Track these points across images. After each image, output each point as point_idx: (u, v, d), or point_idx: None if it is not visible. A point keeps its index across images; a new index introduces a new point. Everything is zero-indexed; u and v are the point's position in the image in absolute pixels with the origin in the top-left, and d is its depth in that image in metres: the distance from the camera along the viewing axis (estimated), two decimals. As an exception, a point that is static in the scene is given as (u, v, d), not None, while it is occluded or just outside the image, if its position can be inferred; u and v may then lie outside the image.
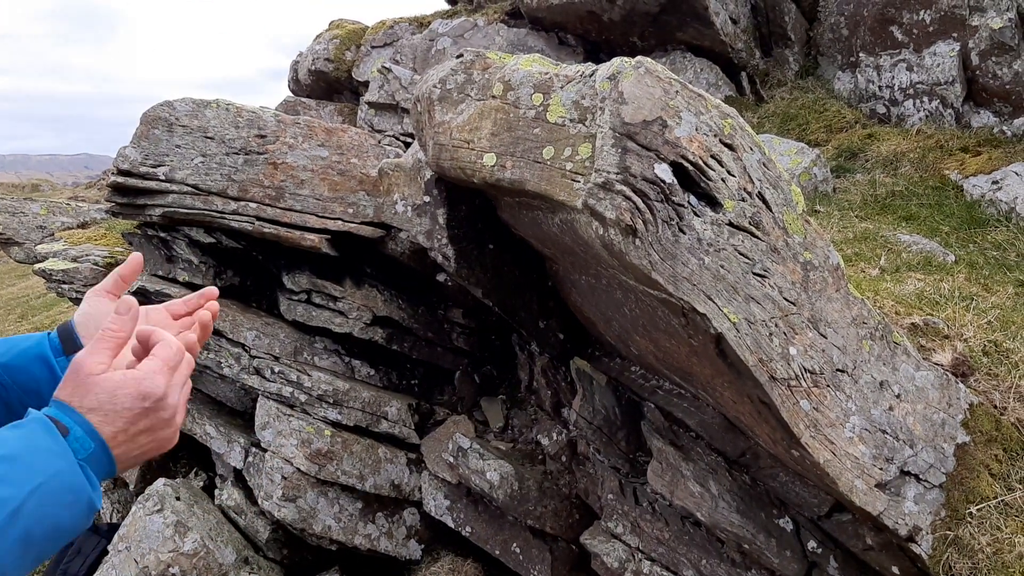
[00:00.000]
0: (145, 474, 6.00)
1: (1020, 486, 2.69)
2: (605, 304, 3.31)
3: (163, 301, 5.06)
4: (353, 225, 4.70)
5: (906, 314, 3.45)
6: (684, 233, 2.30)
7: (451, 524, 4.56)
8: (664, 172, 2.26)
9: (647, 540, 3.75)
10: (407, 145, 5.47)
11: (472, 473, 4.29)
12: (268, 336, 4.94)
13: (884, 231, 4.99)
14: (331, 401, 4.73)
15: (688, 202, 2.32)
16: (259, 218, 4.77)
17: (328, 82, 11.15)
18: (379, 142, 5.15)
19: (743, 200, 2.39)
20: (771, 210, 2.45)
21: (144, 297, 5.15)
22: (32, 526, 0.84)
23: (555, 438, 4.52)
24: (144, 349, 1.05)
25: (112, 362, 0.99)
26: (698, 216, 2.32)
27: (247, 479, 4.96)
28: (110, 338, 1.01)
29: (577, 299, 3.79)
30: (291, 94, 12.00)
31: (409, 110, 3.98)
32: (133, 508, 4.86)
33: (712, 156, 2.34)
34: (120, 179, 4.91)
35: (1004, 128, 6.41)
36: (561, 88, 2.60)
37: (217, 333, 5.00)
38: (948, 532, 2.59)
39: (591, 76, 2.50)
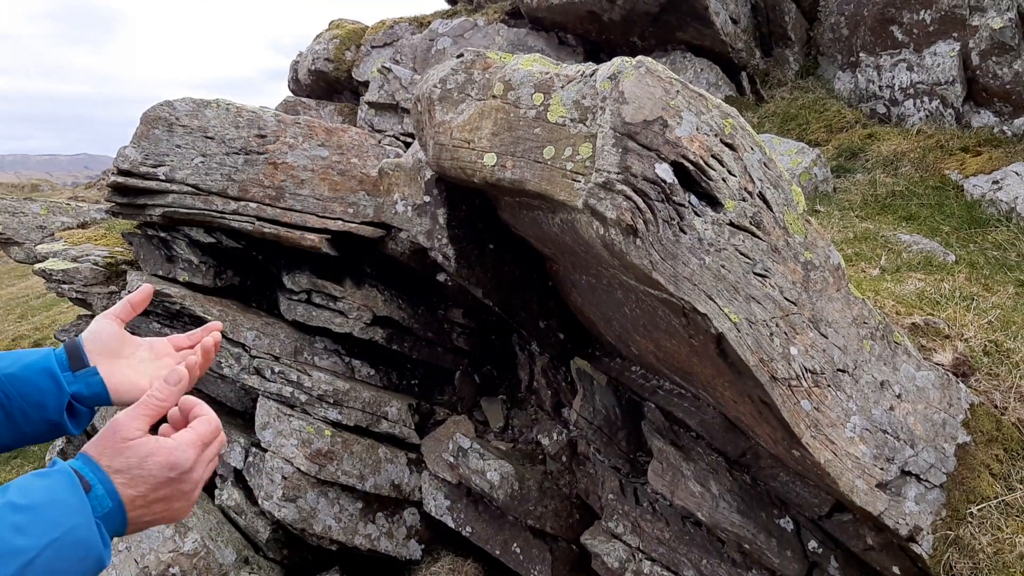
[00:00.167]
0: (145, 474, 5.99)
1: (1021, 486, 2.69)
2: (605, 304, 3.31)
3: (163, 301, 5.04)
4: (353, 225, 4.70)
5: (907, 314, 3.45)
6: (685, 233, 2.30)
7: (451, 524, 4.55)
8: (665, 172, 2.26)
9: (647, 540, 3.74)
10: (407, 145, 5.46)
11: (472, 473, 4.29)
12: (268, 336, 4.93)
13: (884, 231, 4.99)
14: (331, 401, 4.73)
15: (689, 202, 2.31)
16: (259, 218, 4.77)
17: (328, 82, 11.15)
18: (379, 142, 5.15)
19: (744, 200, 2.39)
20: (772, 210, 2.45)
21: (144, 297, 5.14)
22: None
23: (555, 438, 4.52)
24: (184, 419, 1.08)
25: (148, 428, 1.03)
26: (699, 216, 2.32)
27: (247, 479, 4.96)
28: (154, 406, 1.04)
29: (577, 299, 3.78)
30: (291, 94, 12.00)
31: (409, 110, 3.97)
32: (133, 508, 4.86)
33: (713, 156, 2.33)
34: (120, 179, 4.91)
35: (1004, 128, 6.40)
36: (562, 88, 2.60)
37: (217, 333, 4.99)
38: (949, 532, 2.59)
39: (592, 76, 2.50)
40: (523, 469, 4.29)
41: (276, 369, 4.83)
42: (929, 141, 6.45)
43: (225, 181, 4.82)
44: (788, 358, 2.42)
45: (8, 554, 0.83)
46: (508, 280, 4.01)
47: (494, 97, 2.85)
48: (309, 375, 4.78)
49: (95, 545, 0.91)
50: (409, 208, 4.05)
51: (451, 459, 4.42)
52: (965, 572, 2.52)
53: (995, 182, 5.46)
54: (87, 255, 6.27)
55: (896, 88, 7.17)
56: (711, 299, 2.33)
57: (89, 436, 4.85)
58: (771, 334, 2.40)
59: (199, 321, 5.01)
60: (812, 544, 3.05)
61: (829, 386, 2.50)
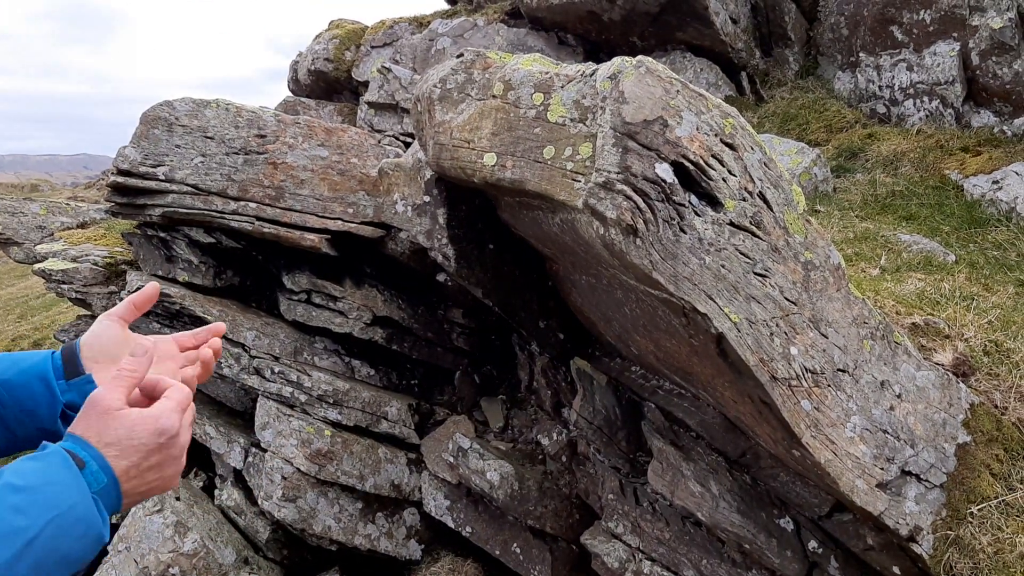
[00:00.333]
0: (145, 474, 5.98)
1: (1021, 486, 2.69)
2: (605, 304, 3.31)
3: (163, 301, 5.02)
4: (353, 225, 4.70)
5: (907, 314, 3.45)
6: (685, 233, 2.30)
7: (451, 524, 4.55)
8: (665, 172, 2.26)
9: (647, 540, 3.74)
10: (407, 145, 5.46)
11: (472, 473, 4.29)
12: (268, 336, 4.93)
13: (884, 231, 4.99)
14: (331, 401, 4.73)
15: (689, 202, 2.31)
16: (259, 218, 4.77)
17: (328, 82, 11.15)
18: (379, 142, 5.14)
19: (744, 200, 2.39)
20: (772, 210, 2.45)
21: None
22: (44, 557, 0.86)
23: (555, 438, 4.52)
24: (146, 399, 1.09)
25: (127, 400, 1.03)
26: (699, 216, 2.32)
27: (247, 479, 4.95)
28: (126, 377, 1.04)
29: (577, 299, 3.78)
30: (291, 94, 12.00)
31: (409, 110, 3.97)
32: (133, 508, 4.86)
33: (713, 156, 2.33)
34: (120, 179, 4.91)
35: (1004, 128, 6.41)
36: (562, 88, 2.60)
37: (217, 333, 4.99)
38: (949, 532, 2.59)
39: (592, 76, 2.50)
40: (523, 469, 4.29)
41: (276, 369, 4.83)
42: (929, 141, 6.45)
43: (225, 181, 4.82)
44: (788, 358, 2.42)
45: (9, 534, 0.83)
46: (508, 280, 4.01)
47: (494, 97, 2.85)
48: (309, 375, 4.77)
49: (94, 522, 0.92)
50: (409, 208, 4.05)
51: (451, 459, 4.42)
52: (965, 572, 2.51)
53: (995, 182, 5.46)
54: (87, 255, 6.26)
55: (896, 88, 7.17)
56: (711, 299, 2.32)
57: None
58: (771, 334, 2.39)
59: (199, 321, 5.01)
60: (812, 544, 3.05)
61: (829, 386, 2.50)
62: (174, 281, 5.22)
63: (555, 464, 4.43)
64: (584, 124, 2.45)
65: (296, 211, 4.74)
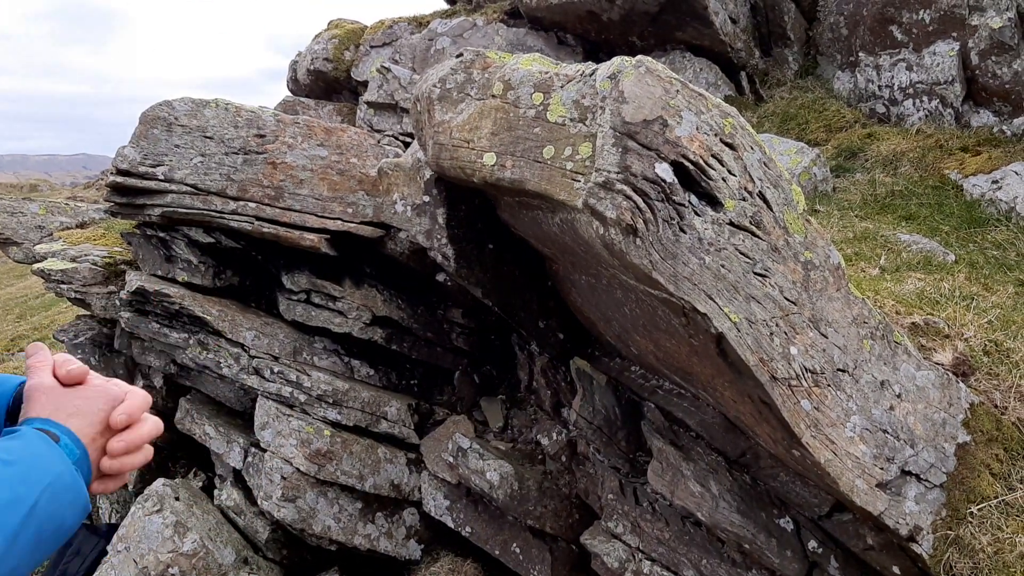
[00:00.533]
0: (144, 474, 5.98)
1: (1021, 486, 2.69)
2: (605, 304, 3.31)
3: (162, 301, 5.01)
4: (352, 225, 4.69)
5: (906, 313, 3.45)
6: (685, 232, 2.30)
7: (451, 524, 4.55)
8: (665, 171, 2.26)
9: (647, 540, 3.74)
10: (406, 145, 5.46)
11: (472, 473, 4.29)
12: (267, 336, 4.93)
13: (884, 231, 4.99)
14: (331, 401, 4.73)
15: (689, 201, 2.31)
16: (258, 218, 4.76)
17: (327, 82, 11.14)
18: (378, 142, 5.14)
19: (744, 199, 2.38)
20: (772, 209, 2.45)
21: (143, 297, 5.14)
22: (43, 524, 0.90)
23: (555, 438, 4.52)
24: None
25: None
26: (699, 215, 2.32)
27: (246, 479, 4.95)
28: (39, 367, 1.09)
29: (577, 299, 3.78)
30: (290, 94, 11.99)
31: (408, 110, 3.97)
32: (132, 508, 4.85)
33: (713, 155, 2.33)
34: (119, 179, 4.90)
35: (1004, 127, 6.41)
36: (561, 87, 2.59)
37: (216, 333, 5.00)
38: (949, 532, 2.59)
39: (591, 75, 2.50)
40: (523, 469, 4.29)
41: (275, 369, 4.82)
42: (928, 141, 6.45)
43: (224, 181, 4.82)
44: (788, 358, 2.41)
45: (13, 502, 0.87)
46: (508, 280, 4.00)
47: (493, 97, 2.85)
48: (308, 375, 4.77)
49: (81, 489, 0.97)
50: (408, 208, 4.04)
51: (451, 459, 4.42)
52: (965, 572, 2.51)
53: (995, 182, 5.46)
54: (86, 255, 6.26)
55: (895, 88, 7.17)
56: (711, 299, 2.32)
57: None
58: (771, 334, 2.39)
59: (198, 321, 5.01)
60: (812, 544, 3.05)
61: (829, 386, 2.50)
62: (173, 281, 5.22)
63: (555, 464, 4.43)
64: (584, 124, 2.45)
65: (295, 211, 4.74)
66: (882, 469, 2.54)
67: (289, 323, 5.05)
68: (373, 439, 4.80)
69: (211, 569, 4.61)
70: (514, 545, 4.32)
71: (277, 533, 4.86)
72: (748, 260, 2.38)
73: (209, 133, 4.95)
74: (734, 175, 2.37)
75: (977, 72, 6.50)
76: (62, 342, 6.29)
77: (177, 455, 6.01)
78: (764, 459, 3.17)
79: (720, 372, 2.60)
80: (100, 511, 6.53)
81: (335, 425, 4.74)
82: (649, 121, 2.25)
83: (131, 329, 5.37)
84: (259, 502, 4.71)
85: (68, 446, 0.99)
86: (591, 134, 2.40)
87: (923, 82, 6.88)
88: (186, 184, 4.84)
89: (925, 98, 6.88)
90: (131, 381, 6.12)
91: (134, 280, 5.19)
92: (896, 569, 2.74)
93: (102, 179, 25.89)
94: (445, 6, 10.75)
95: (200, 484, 5.50)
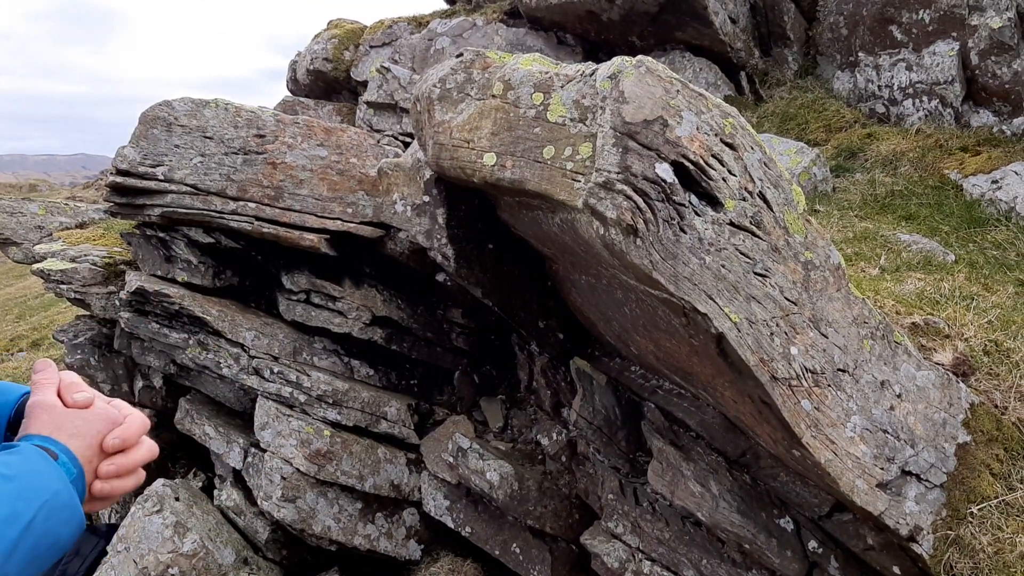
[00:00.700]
0: (144, 474, 5.97)
1: (1021, 486, 2.69)
2: (605, 304, 3.30)
3: (162, 301, 5.00)
4: (352, 225, 4.69)
5: (907, 313, 3.45)
6: (685, 233, 2.30)
7: (451, 524, 4.55)
8: (665, 171, 2.26)
9: (647, 540, 3.74)
10: (406, 145, 5.46)
11: (472, 473, 4.28)
12: (267, 336, 4.93)
13: (884, 231, 4.99)
14: (330, 401, 4.72)
15: (689, 201, 2.31)
16: (258, 218, 4.76)
17: (327, 82, 11.14)
18: (378, 142, 5.14)
19: (744, 200, 2.38)
20: (772, 209, 2.45)
21: (142, 297, 5.14)
22: (39, 539, 0.91)
23: (555, 438, 4.52)
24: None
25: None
26: (699, 216, 2.32)
27: (246, 479, 4.95)
28: (45, 384, 1.11)
29: (577, 299, 3.78)
30: (289, 94, 11.98)
31: (408, 110, 3.97)
32: (132, 509, 4.85)
33: (713, 155, 2.33)
34: (119, 179, 4.90)
35: (1004, 127, 6.41)
36: (561, 87, 2.59)
37: (216, 333, 4.99)
38: (949, 532, 2.59)
39: (592, 75, 2.50)
40: (522, 469, 4.29)
41: (275, 369, 4.82)
42: (928, 141, 6.45)
43: (224, 181, 4.81)
44: (788, 358, 2.41)
45: (11, 517, 0.88)
46: (507, 280, 4.00)
47: (493, 97, 2.84)
48: (308, 375, 4.77)
49: (76, 507, 0.98)
50: (408, 208, 4.04)
51: (450, 459, 4.42)
52: (965, 572, 2.51)
53: (994, 182, 5.46)
54: (85, 255, 6.25)
55: (895, 88, 7.17)
56: (711, 299, 2.32)
57: None
58: (771, 334, 2.39)
59: (198, 321, 5.01)
60: (812, 544, 3.05)
61: (829, 386, 2.50)
62: (173, 281, 5.22)
63: (555, 464, 4.43)
64: (584, 124, 2.44)
65: (295, 211, 4.74)
66: (882, 469, 2.54)
67: (289, 323, 5.05)
68: (373, 439, 4.80)
69: (211, 569, 4.61)
70: (514, 545, 4.32)
71: (277, 533, 4.85)
72: (748, 260, 2.38)
73: (209, 133, 4.95)
74: (734, 175, 2.37)
75: (977, 72, 6.51)
76: (61, 342, 6.29)
77: (177, 455, 6.01)
78: (764, 459, 3.17)
79: (720, 372, 2.60)
80: (100, 511, 6.53)
81: (335, 425, 4.74)
82: (649, 121, 2.25)
83: (131, 329, 5.37)
84: (259, 502, 4.71)
85: (66, 464, 1.00)
86: (591, 134, 2.40)
87: (923, 82, 6.88)
88: (186, 184, 4.83)
89: (925, 98, 6.88)
90: (131, 381, 6.12)
91: (134, 280, 5.19)
92: (896, 569, 2.74)
93: (101, 179, 25.88)
94: (445, 6, 10.75)
95: (200, 484, 5.50)
